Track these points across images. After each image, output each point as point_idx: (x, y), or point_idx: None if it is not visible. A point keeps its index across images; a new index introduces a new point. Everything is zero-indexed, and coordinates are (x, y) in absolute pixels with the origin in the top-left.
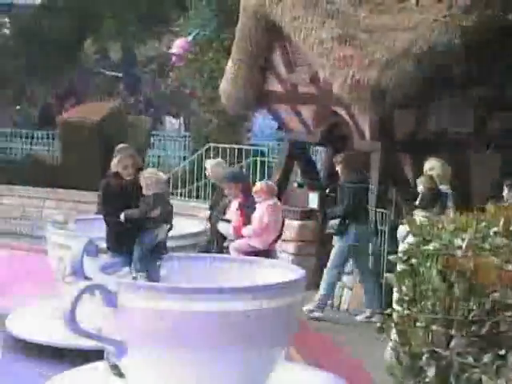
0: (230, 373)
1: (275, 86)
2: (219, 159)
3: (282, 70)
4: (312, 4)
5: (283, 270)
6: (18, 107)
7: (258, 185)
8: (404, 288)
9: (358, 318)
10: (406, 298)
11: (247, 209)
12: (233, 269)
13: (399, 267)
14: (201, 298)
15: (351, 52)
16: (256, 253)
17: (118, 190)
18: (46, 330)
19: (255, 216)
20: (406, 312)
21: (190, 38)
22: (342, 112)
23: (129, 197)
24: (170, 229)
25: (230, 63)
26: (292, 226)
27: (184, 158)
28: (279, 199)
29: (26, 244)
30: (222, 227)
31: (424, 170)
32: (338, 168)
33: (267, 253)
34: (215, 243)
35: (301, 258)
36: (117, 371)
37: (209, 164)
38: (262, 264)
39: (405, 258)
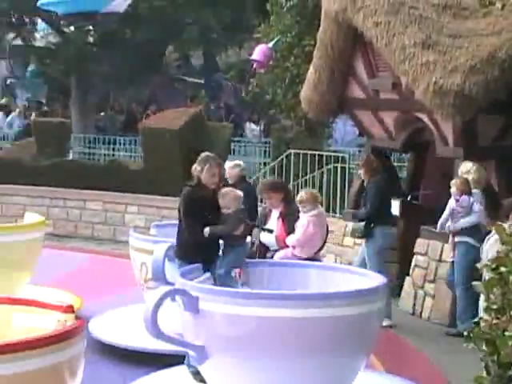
0: (310, 381)
1: (357, 92)
2: (237, 161)
3: (363, 76)
4: (395, 9)
5: (363, 276)
6: (102, 113)
7: (303, 194)
8: (492, 296)
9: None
10: (494, 307)
11: (289, 218)
12: (311, 275)
13: (488, 275)
14: (281, 304)
15: (434, 57)
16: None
17: (200, 199)
18: (128, 334)
19: (299, 225)
20: (494, 321)
21: (271, 44)
22: (425, 118)
23: (211, 208)
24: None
25: (311, 69)
26: None
27: (265, 165)
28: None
29: (108, 249)
30: (265, 237)
31: (459, 173)
32: (361, 171)
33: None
34: (257, 253)
35: None
36: (198, 376)
37: (227, 165)
38: (341, 270)
39: (494, 266)
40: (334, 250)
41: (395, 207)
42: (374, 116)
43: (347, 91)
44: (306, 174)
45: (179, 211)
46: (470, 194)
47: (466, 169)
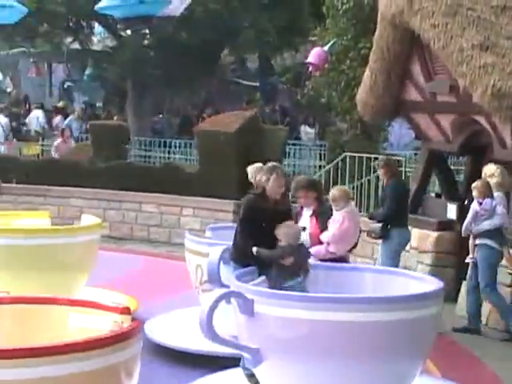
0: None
1: (413, 95)
2: (259, 164)
3: (420, 79)
4: (452, 11)
5: (419, 280)
6: (160, 116)
7: (335, 192)
8: None
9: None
10: None
11: (322, 216)
12: (366, 278)
13: None
14: (336, 307)
15: (492, 60)
16: (333, 259)
17: (261, 210)
18: (183, 336)
19: (333, 221)
20: None
21: (326, 47)
22: (482, 121)
23: (270, 219)
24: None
25: (367, 72)
26: (429, 236)
27: (320, 168)
28: (416, 210)
29: (163, 251)
30: None
31: (482, 175)
32: (380, 173)
33: (344, 259)
34: None
35: (438, 270)
36: (253, 379)
37: (250, 169)
38: (397, 274)
39: None
40: None
41: (452, 211)
42: (430, 119)
43: (403, 94)
44: (362, 178)
45: (238, 215)
46: (492, 196)
47: (491, 172)
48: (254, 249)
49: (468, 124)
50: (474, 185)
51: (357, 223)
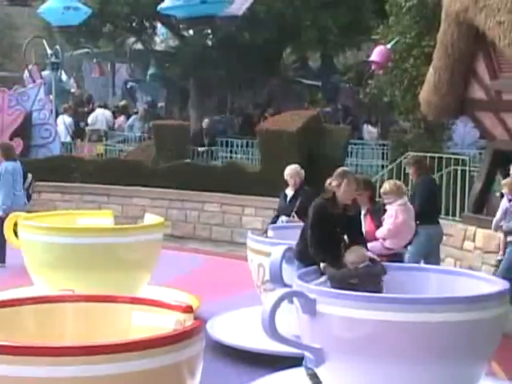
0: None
1: (478, 93)
2: (296, 165)
3: (485, 77)
4: None
5: (484, 281)
6: (222, 116)
7: (386, 185)
8: None
9: None
10: None
11: (376, 213)
12: (431, 279)
13: None
14: (400, 308)
15: None
16: (389, 255)
17: (331, 216)
18: (245, 335)
19: (388, 216)
20: None
21: (389, 45)
22: None
23: (339, 224)
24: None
25: (430, 70)
26: (494, 237)
27: (382, 167)
28: (481, 210)
29: (225, 251)
30: None
31: (511, 173)
32: (410, 170)
33: (401, 256)
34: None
35: None
36: (315, 379)
37: (288, 169)
38: (462, 275)
39: None
40: (454, 254)
41: None
42: (495, 117)
43: (468, 92)
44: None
45: (307, 217)
46: None
47: None
48: (322, 265)
49: None
50: (503, 182)
51: (411, 217)
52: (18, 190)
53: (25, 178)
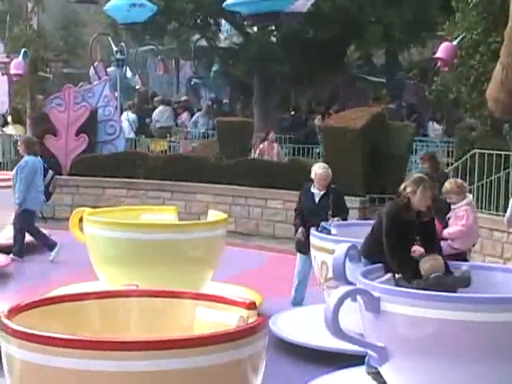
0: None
1: None
2: (325, 164)
3: None
4: None
5: None
6: (288, 113)
7: (447, 185)
8: None
9: None
10: None
11: (440, 212)
12: (498, 278)
13: None
14: (464, 307)
15: None
16: (453, 255)
17: (404, 223)
18: (308, 332)
19: (457, 217)
20: None
21: (455, 42)
22: None
23: (413, 229)
24: None
25: (497, 67)
26: None
27: (448, 165)
28: None
29: (288, 248)
30: None
31: None
32: (426, 165)
33: (464, 254)
34: None
35: None
36: (378, 378)
37: (321, 170)
38: None
39: None
40: None
41: None
42: None
43: None
44: (491, 175)
45: (378, 218)
46: None
47: None
48: (397, 276)
49: None
50: None
51: (476, 217)
52: (40, 185)
53: (45, 174)
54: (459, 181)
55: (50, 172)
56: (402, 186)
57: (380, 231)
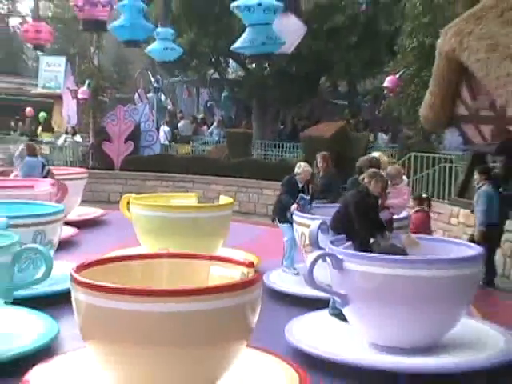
0: (423, 322)
1: (461, 111)
2: (305, 163)
3: (467, 99)
4: (491, 49)
5: (466, 247)
6: (281, 127)
7: (392, 170)
8: None
9: None
10: None
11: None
12: (428, 246)
13: None
14: (404, 265)
15: None
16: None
17: (367, 204)
18: (292, 283)
19: (402, 192)
20: None
21: (397, 75)
22: None
23: (374, 209)
24: None
25: (427, 94)
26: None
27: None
28: (463, 195)
29: None
30: None
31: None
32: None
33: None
34: None
35: None
36: (341, 316)
37: (305, 169)
38: (449, 242)
39: None
40: (443, 228)
41: None
42: (474, 128)
43: (454, 109)
44: (423, 171)
45: (344, 201)
46: None
47: None
48: (371, 240)
49: (503, 132)
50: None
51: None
52: (38, 178)
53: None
54: (398, 167)
55: (46, 168)
56: (361, 177)
57: (344, 211)
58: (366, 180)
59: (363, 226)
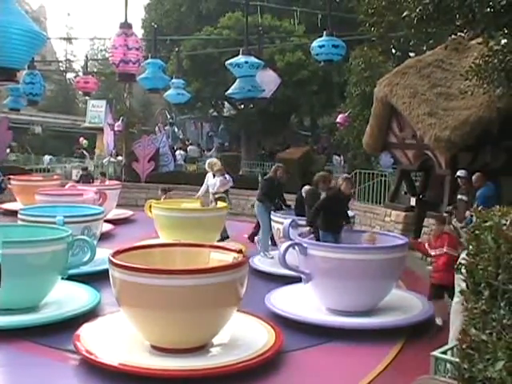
0: (363, 292)
1: (393, 139)
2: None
3: (396, 130)
4: (413, 96)
5: (396, 237)
6: (263, 151)
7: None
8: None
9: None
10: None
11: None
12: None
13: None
14: (347, 251)
15: (434, 121)
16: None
17: (339, 199)
18: (271, 265)
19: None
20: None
21: (346, 114)
22: (430, 153)
23: (344, 205)
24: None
25: (368, 127)
26: (400, 214)
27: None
28: (394, 200)
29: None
30: None
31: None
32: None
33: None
34: None
35: (405, 232)
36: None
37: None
38: (384, 234)
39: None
40: (380, 224)
41: (412, 201)
42: (401, 152)
43: (388, 138)
44: (365, 183)
45: (307, 199)
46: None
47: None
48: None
49: (422, 155)
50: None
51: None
52: None
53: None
54: (329, 174)
55: (1, 177)
56: (334, 181)
57: (300, 206)
58: (339, 182)
59: (315, 213)
